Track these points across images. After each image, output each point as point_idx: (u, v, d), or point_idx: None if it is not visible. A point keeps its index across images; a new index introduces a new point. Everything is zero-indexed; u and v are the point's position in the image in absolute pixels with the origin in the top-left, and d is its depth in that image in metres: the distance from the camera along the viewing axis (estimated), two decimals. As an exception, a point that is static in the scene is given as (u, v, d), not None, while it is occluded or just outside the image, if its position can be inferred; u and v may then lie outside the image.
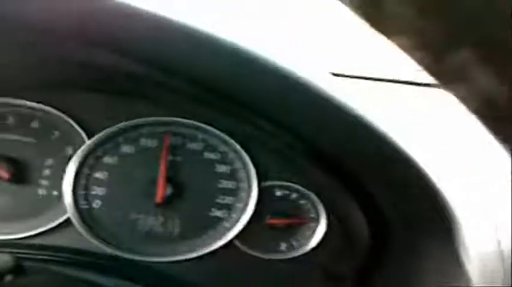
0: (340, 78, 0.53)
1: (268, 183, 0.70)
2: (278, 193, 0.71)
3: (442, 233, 0.53)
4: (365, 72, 0.63)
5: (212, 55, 0.47)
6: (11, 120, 0.69)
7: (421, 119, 0.55)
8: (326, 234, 0.71)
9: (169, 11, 0.44)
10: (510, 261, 0.51)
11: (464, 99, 0.20)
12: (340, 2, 0.21)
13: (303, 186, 0.70)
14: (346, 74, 0.61)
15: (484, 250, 0.52)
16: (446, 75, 0.20)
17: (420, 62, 0.20)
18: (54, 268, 0.67)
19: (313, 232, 0.71)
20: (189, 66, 0.49)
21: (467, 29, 0.17)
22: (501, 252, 0.52)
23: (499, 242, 0.52)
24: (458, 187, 0.53)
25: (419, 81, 0.63)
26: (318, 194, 0.70)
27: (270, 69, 0.47)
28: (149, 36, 0.46)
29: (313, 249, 0.71)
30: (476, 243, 0.51)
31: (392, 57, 0.63)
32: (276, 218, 0.71)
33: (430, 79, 0.21)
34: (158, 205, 0.69)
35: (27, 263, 0.55)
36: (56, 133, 0.69)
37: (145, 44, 0.48)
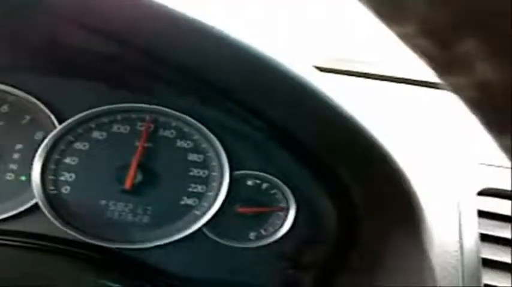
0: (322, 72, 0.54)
1: (240, 172, 0.71)
2: (249, 183, 0.72)
3: (409, 226, 0.55)
4: (350, 66, 0.65)
5: (189, 38, 0.47)
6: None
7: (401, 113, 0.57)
8: (294, 223, 0.72)
9: None
10: (471, 256, 0.53)
11: (462, 89, 0.21)
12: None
13: (274, 176, 0.71)
14: (328, 67, 0.63)
15: (446, 243, 0.54)
16: (448, 64, 0.20)
17: (423, 50, 0.20)
18: (21, 254, 0.66)
19: (283, 221, 0.73)
20: (167, 49, 0.50)
21: (472, 18, 0.18)
22: (461, 246, 0.54)
23: (460, 235, 0.55)
24: (428, 178, 0.55)
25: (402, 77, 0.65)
26: (288, 184, 0.71)
27: (248, 54, 0.48)
28: (130, 18, 0.46)
29: (281, 238, 0.72)
30: (439, 237, 0.54)
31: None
32: (246, 207, 0.72)
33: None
34: (127, 192, 0.69)
35: None
36: (27, 117, 0.68)
37: (124, 26, 0.48)
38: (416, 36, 0.19)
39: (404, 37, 0.20)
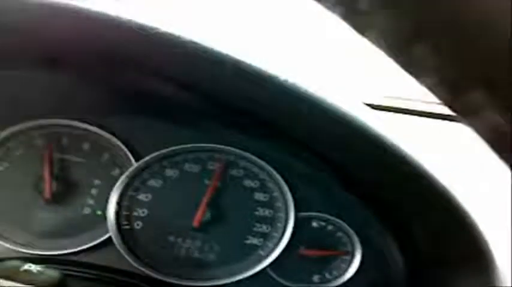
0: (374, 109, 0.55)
1: (305, 214, 0.71)
2: (314, 224, 0.72)
3: (478, 273, 0.53)
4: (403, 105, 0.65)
5: (253, 86, 0.50)
6: (65, 141, 0.74)
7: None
8: (360, 268, 0.71)
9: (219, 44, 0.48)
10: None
11: (478, 132, 0.23)
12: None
13: (339, 218, 0.71)
14: (382, 105, 0.63)
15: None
16: (462, 110, 0.22)
17: (441, 96, 0.22)
18: (93, 286, 0.69)
19: (347, 265, 0.72)
20: (235, 96, 0.52)
21: (481, 69, 0.20)
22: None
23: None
24: (496, 228, 0.53)
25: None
26: (353, 227, 0.71)
27: (309, 99, 0.49)
28: (199, 67, 0.50)
29: (346, 283, 0.71)
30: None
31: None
32: (311, 249, 0.71)
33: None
34: (195, 229, 0.71)
35: (69, 280, 0.58)
36: (106, 155, 0.73)
37: (196, 75, 0.51)
38: (434, 84, 0.22)
39: (424, 83, 0.22)
